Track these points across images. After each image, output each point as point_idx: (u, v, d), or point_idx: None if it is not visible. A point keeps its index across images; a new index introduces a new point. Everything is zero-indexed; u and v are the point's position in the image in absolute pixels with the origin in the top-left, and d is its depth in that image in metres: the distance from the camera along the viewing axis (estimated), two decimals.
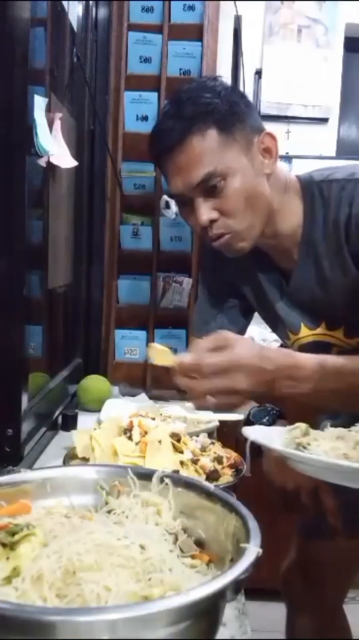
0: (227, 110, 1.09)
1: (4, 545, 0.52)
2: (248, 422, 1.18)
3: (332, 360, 0.96)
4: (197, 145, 1.07)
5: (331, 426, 1.41)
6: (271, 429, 0.94)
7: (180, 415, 1.19)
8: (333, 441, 0.82)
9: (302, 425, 0.86)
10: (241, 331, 1.39)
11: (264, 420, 1.16)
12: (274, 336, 2.08)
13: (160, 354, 0.96)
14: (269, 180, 1.13)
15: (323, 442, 0.82)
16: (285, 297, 1.21)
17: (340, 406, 1.05)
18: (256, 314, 1.38)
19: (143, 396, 1.66)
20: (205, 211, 1.09)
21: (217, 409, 1.07)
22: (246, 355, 0.92)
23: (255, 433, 0.84)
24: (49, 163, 1.25)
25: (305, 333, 1.22)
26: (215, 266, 1.32)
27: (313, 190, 1.12)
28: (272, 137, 1.14)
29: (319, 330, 1.19)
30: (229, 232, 1.11)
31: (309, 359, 0.95)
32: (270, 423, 1.15)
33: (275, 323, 1.29)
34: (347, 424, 1.31)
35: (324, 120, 2.55)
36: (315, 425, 1.39)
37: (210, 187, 1.08)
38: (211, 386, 0.91)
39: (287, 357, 0.96)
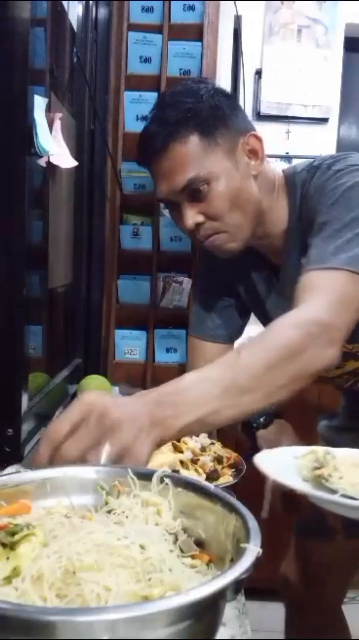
0: (209, 114, 1.09)
1: (4, 545, 0.52)
2: (246, 422, 1.18)
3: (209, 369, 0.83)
4: (179, 151, 1.09)
5: (327, 426, 1.41)
6: (282, 453, 0.79)
7: None
8: (356, 469, 0.73)
9: (318, 451, 0.76)
10: (239, 330, 1.39)
11: (260, 420, 1.16)
12: None
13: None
14: (257, 180, 1.13)
15: (346, 473, 0.71)
16: (274, 293, 1.22)
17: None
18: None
19: None
20: (191, 215, 1.11)
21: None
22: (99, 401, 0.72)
23: (267, 464, 0.72)
24: (49, 163, 1.25)
25: None
26: (210, 266, 1.32)
27: (295, 181, 1.13)
28: (257, 138, 1.14)
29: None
30: (216, 233, 1.12)
31: (185, 377, 0.80)
32: (267, 422, 1.15)
33: (266, 321, 1.30)
34: (346, 423, 1.32)
35: (324, 120, 2.55)
36: (315, 424, 1.39)
37: (194, 192, 1.09)
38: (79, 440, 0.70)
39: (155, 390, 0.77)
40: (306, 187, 1.10)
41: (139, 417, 0.70)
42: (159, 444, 0.73)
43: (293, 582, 1.40)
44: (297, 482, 0.71)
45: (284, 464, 0.76)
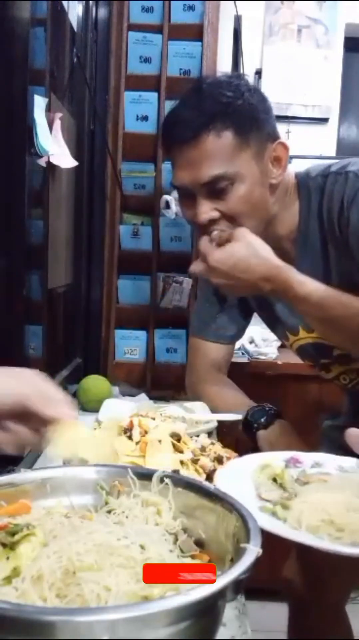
0: (247, 113, 1.07)
1: (4, 545, 0.52)
2: (247, 422, 1.18)
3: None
4: (212, 144, 1.05)
5: (331, 426, 1.41)
6: (245, 465, 0.84)
7: (178, 415, 1.19)
8: (326, 493, 0.70)
9: (275, 467, 0.79)
10: (241, 331, 1.39)
11: (262, 420, 1.16)
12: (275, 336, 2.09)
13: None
14: (275, 189, 1.12)
15: (309, 497, 0.69)
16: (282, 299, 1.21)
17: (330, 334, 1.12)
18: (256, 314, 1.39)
19: (143, 396, 1.66)
20: (206, 209, 1.08)
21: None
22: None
23: (225, 481, 0.75)
24: (49, 163, 1.25)
25: (304, 334, 1.22)
26: None
27: (309, 185, 1.12)
28: (285, 147, 1.12)
29: (316, 333, 1.20)
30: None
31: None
32: (268, 423, 1.15)
33: (274, 323, 1.29)
34: (349, 423, 1.32)
35: (324, 120, 2.55)
36: (317, 424, 1.39)
37: (216, 188, 1.07)
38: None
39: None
40: (327, 194, 1.08)
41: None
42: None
43: (296, 582, 1.40)
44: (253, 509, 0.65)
45: (242, 482, 0.76)
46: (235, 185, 1.07)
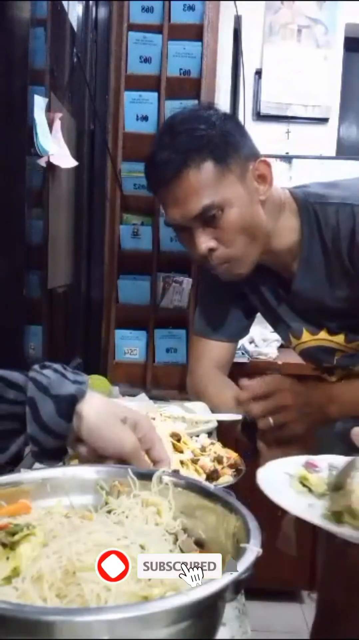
0: (222, 140, 1.09)
1: (4, 545, 0.52)
2: (246, 422, 1.18)
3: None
4: (194, 178, 1.08)
5: (341, 429, 1.41)
6: (285, 466, 0.84)
7: (178, 415, 1.19)
8: None
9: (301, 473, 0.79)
10: (244, 330, 1.39)
11: None
12: (275, 336, 2.09)
13: None
14: (264, 205, 1.14)
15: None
16: (283, 304, 1.23)
17: None
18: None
19: (143, 396, 1.66)
20: (204, 240, 1.11)
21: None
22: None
23: (270, 486, 0.73)
24: (49, 163, 1.25)
25: (307, 338, 1.23)
26: None
27: (309, 211, 1.14)
28: (267, 164, 1.15)
29: (321, 335, 1.21)
30: (228, 260, 1.13)
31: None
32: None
33: (277, 326, 1.30)
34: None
35: (324, 120, 2.55)
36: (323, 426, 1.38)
37: (208, 218, 1.10)
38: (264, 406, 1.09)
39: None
40: (331, 225, 1.11)
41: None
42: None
43: (332, 588, 1.39)
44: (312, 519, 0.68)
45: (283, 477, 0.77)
46: (225, 211, 1.10)
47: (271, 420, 1.08)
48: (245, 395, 1.11)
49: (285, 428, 1.09)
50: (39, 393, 0.67)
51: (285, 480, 0.78)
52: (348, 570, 1.34)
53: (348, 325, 1.18)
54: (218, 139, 1.09)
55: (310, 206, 1.14)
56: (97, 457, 0.68)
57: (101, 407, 0.69)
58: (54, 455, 0.68)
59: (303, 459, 0.84)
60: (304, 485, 0.77)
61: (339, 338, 1.20)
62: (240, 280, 1.26)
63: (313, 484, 0.77)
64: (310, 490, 0.76)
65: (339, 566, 1.37)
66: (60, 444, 0.67)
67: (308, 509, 0.71)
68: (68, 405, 0.67)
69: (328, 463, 0.83)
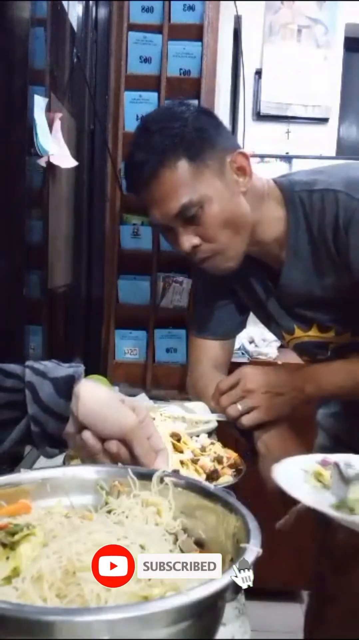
0: (196, 137, 1.10)
1: (4, 545, 0.52)
2: None
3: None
4: (169, 178, 1.09)
5: (325, 414, 1.43)
6: (301, 463, 0.87)
7: (178, 415, 1.19)
8: None
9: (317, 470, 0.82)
10: (239, 325, 1.40)
11: None
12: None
13: None
14: (246, 196, 1.14)
15: None
16: (272, 298, 1.23)
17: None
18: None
19: (143, 396, 1.66)
20: (187, 239, 1.12)
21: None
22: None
23: (286, 480, 0.77)
24: (49, 163, 1.25)
25: (300, 334, 1.24)
26: None
27: (294, 200, 1.14)
28: (244, 155, 1.14)
29: (312, 332, 1.21)
30: (213, 255, 1.13)
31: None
32: (265, 423, 1.15)
33: (268, 322, 1.30)
34: (344, 409, 1.34)
35: (324, 120, 2.55)
36: (314, 425, 1.39)
37: (188, 217, 1.10)
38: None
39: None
40: (317, 211, 1.10)
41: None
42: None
43: (322, 572, 1.38)
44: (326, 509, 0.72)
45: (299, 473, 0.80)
46: (204, 207, 1.10)
47: (239, 406, 1.13)
48: (217, 394, 1.17)
49: (252, 412, 1.13)
50: (37, 377, 0.68)
51: (301, 475, 0.81)
52: (337, 552, 1.34)
53: (337, 318, 1.18)
54: (192, 135, 1.09)
55: (296, 195, 1.14)
56: (101, 441, 0.67)
57: (98, 389, 0.69)
58: (55, 442, 0.69)
59: (319, 456, 0.86)
60: (319, 480, 0.79)
61: (330, 335, 1.21)
62: (231, 276, 1.26)
63: (327, 479, 0.79)
64: (324, 485, 0.78)
65: (328, 551, 1.37)
66: (61, 426, 0.67)
67: (322, 500, 0.74)
68: (67, 386, 0.68)
69: (344, 462, 0.83)
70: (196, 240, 1.12)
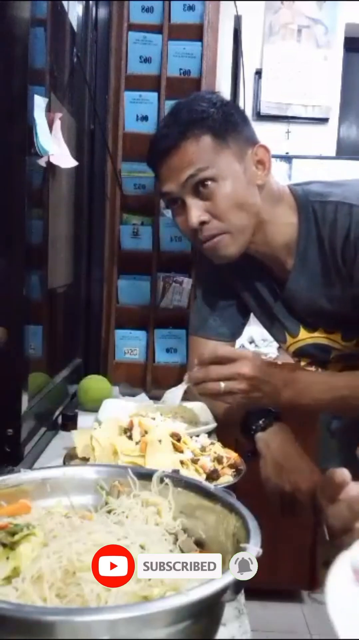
0: (222, 118, 1.12)
1: (4, 545, 0.52)
2: (244, 425, 1.17)
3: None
4: (190, 148, 1.11)
5: (337, 427, 1.39)
6: None
7: (174, 407, 1.19)
8: None
9: None
10: (240, 328, 1.40)
11: (260, 422, 1.15)
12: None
13: None
14: (261, 191, 1.15)
15: None
16: (279, 302, 1.23)
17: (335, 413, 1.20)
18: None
19: (143, 396, 1.66)
20: (196, 212, 1.12)
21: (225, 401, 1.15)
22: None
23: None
24: (49, 163, 1.24)
25: (304, 335, 1.23)
26: (212, 267, 1.32)
27: (308, 208, 1.15)
28: (266, 149, 1.16)
29: (317, 333, 1.21)
30: (220, 233, 1.13)
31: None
32: (266, 425, 1.15)
33: (272, 324, 1.30)
34: (353, 424, 1.32)
35: (324, 120, 2.55)
36: (315, 427, 1.38)
37: (200, 187, 1.10)
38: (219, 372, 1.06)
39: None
40: (328, 222, 1.11)
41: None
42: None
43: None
44: None
45: None
46: (219, 182, 1.11)
47: (222, 385, 1.05)
48: (207, 359, 1.07)
49: (231, 396, 1.07)
50: None
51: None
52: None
53: (343, 326, 1.18)
54: (218, 115, 1.12)
55: (309, 204, 1.15)
56: None
57: None
58: None
59: None
60: None
61: (336, 336, 1.20)
62: (237, 277, 1.26)
63: None
64: None
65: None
66: None
67: None
68: None
69: None
70: (205, 217, 1.12)
